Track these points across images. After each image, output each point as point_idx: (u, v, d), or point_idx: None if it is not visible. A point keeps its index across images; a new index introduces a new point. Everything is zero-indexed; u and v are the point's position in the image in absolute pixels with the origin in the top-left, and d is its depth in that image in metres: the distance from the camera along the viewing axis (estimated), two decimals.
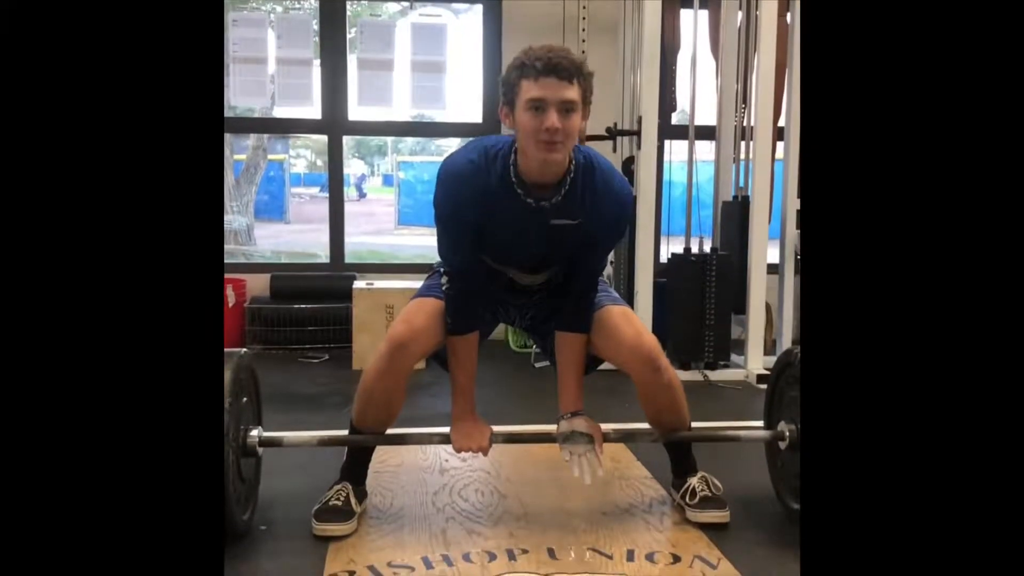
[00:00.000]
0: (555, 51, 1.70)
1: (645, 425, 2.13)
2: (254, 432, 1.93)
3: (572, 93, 1.69)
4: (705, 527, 1.97)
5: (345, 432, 2.07)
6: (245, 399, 1.91)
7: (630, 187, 1.99)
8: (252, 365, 1.95)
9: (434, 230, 1.96)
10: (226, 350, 1.76)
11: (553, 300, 2.02)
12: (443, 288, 1.92)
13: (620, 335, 1.95)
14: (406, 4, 4.57)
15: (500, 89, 1.79)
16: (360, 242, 8.95)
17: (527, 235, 1.86)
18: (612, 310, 1.98)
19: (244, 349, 1.97)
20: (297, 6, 4.86)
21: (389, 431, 2.03)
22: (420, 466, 2.40)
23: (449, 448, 2.54)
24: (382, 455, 2.31)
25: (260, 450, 1.94)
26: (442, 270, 1.95)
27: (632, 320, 1.99)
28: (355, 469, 2.05)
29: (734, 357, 3.71)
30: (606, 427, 2.03)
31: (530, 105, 1.69)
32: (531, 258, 1.94)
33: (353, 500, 1.97)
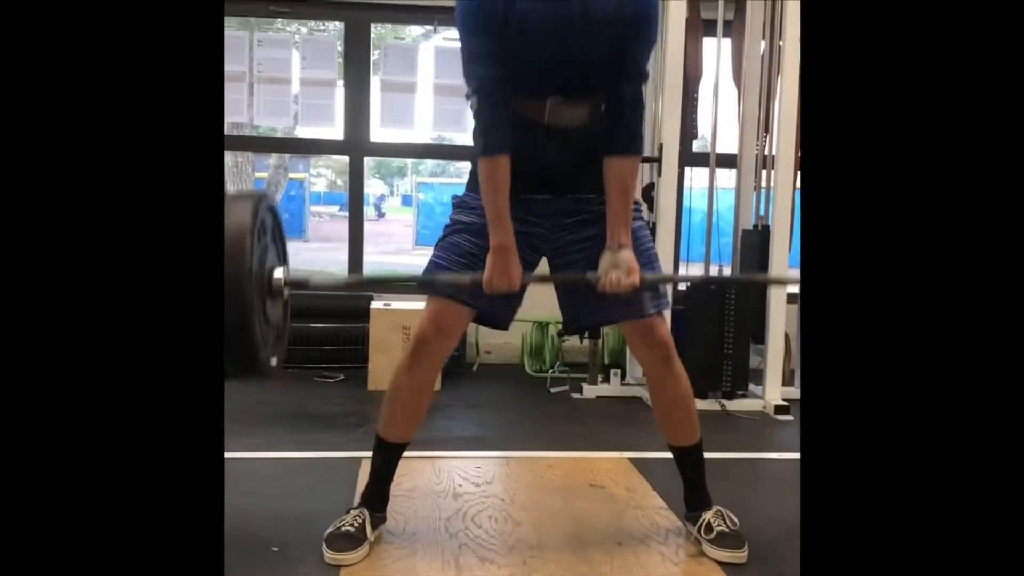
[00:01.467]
0: None
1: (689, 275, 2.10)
2: (278, 272, 1.82)
3: None
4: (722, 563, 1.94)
5: (370, 276, 2.04)
6: (268, 239, 1.81)
7: None
8: (273, 206, 1.85)
9: None
10: (245, 191, 1.74)
11: (583, 225, 1.94)
12: (474, 114, 1.83)
13: (641, 324, 1.96)
14: (430, 28, 4.60)
15: None
16: (378, 261, 8.99)
17: (560, 25, 1.76)
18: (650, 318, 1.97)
19: (263, 191, 1.87)
20: (322, 27, 4.90)
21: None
22: (434, 490, 2.39)
23: (463, 472, 2.55)
24: (395, 477, 2.30)
25: (286, 291, 1.86)
26: (469, 91, 1.84)
27: (656, 320, 1.99)
28: (376, 492, 2.04)
29: (752, 387, 3.68)
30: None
31: None
32: (572, 66, 1.81)
33: (368, 527, 1.96)
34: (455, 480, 2.48)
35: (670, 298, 3.58)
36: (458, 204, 1.98)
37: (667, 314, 3.54)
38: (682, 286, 3.76)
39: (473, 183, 1.94)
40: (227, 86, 4.36)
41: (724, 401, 3.55)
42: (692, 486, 2.09)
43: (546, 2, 1.76)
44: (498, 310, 1.96)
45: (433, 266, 1.95)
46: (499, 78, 1.80)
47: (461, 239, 1.93)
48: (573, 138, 1.89)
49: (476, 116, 1.83)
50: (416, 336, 1.95)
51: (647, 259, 1.95)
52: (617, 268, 1.84)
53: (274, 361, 1.79)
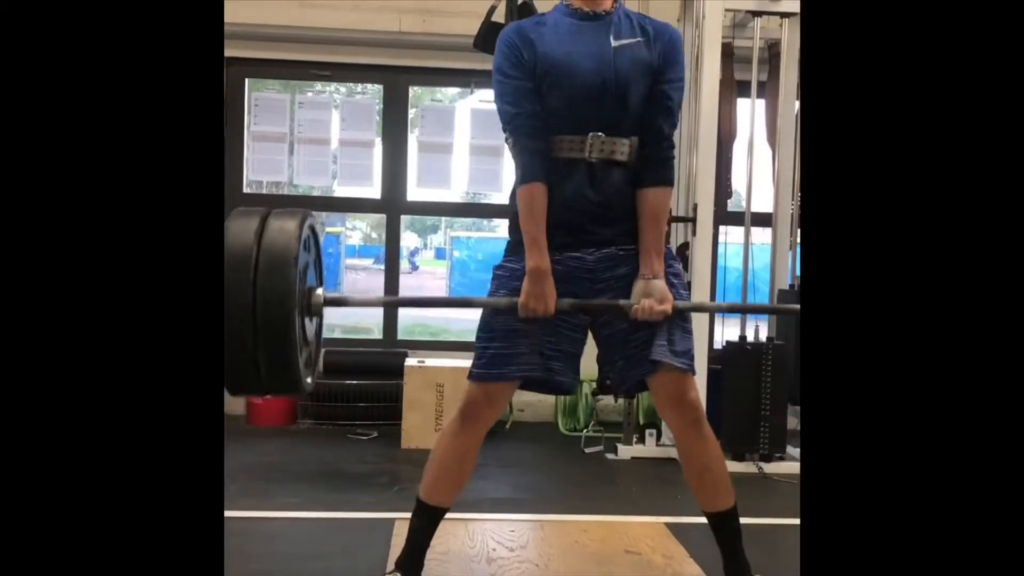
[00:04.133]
0: None
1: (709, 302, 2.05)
2: (318, 291, 1.84)
3: None
4: None
5: (403, 297, 2.05)
6: (310, 258, 1.83)
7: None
8: (314, 224, 1.88)
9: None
10: (291, 209, 1.78)
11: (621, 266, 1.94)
12: (511, 146, 1.93)
13: (669, 380, 1.94)
14: (466, 89, 4.69)
15: None
16: (412, 314, 9.03)
17: (592, 59, 1.86)
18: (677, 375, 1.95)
19: (305, 211, 1.86)
20: (362, 89, 5.03)
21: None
22: (467, 554, 2.36)
23: (497, 536, 2.52)
24: None
25: (324, 310, 1.87)
26: (508, 137, 1.93)
27: (686, 380, 1.97)
28: (411, 557, 2.02)
29: (790, 449, 3.61)
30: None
31: None
32: (605, 100, 1.87)
33: None
34: (489, 544, 2.45)
35: (706, 359, 3.56)
36: (498, 275, 1.98)
37: (703, 373, 3.52)
38: (718, 346, 3.73)
39: (512, 248, 1.96)
40: (268, 146, 4.47)
41: (761, 464, 3.49)
42: (730, 554, 2.05)
43: (580, 46, 1.87)
44: (561, 370, 1.95)
45: (485, 353, 1.94)
46: (532, 113, 1.89)
47: (502, 320, 1.93)
48: (614, 177, 1.91)
49: (513, 151, 1.92)
50: (466, 400, 1.96)
51: (679, 340, 1.95)
52: (650, 296, 1.88)
53: (309, 380, 1.80)
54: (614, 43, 1.88)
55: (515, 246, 1.94)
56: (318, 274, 1.91)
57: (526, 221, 1.89)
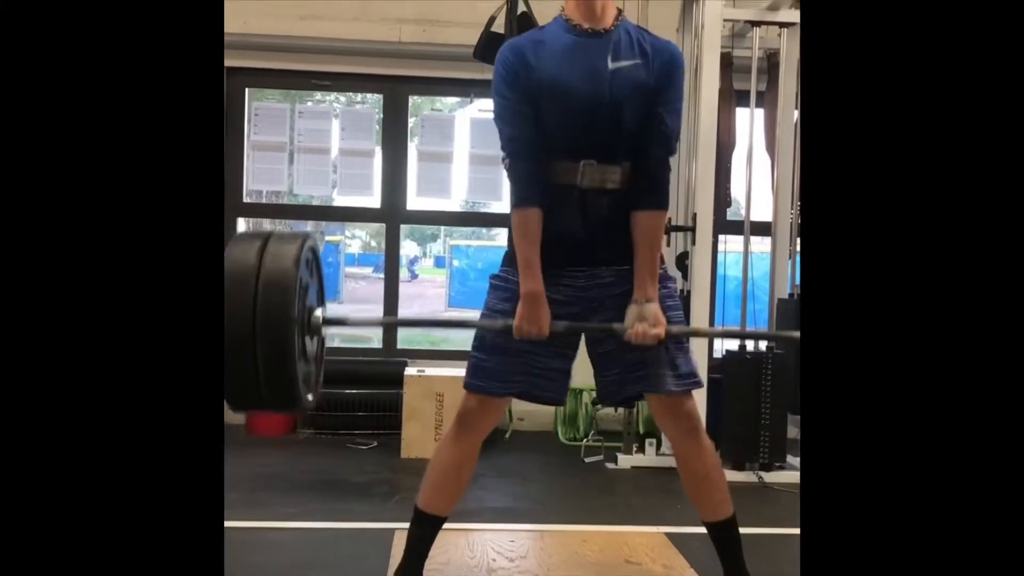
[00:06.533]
0: None
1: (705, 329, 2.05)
2: (318, 311, 1.86)
3: None
4: None
5: (402, 318, 2.06)
6: (311, 279, 1.84)
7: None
8: (315, 246, 1.89)
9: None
10: (292, 231, 1.81)
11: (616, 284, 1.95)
12: (508, 169, 1.93)
13: (667, 399, 1.96)
14: (466, 98, 4.70)
15: None
16: None
17: (589, 81, 1.84)
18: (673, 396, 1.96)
19: (308, 232, 1.93)
20: (361, 99, 5.04)
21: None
22: (467, 564, 2.36)
23: (497, 546, 2.51)
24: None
25: (324, 330, 1.89)
26: (505, 157, 1.93)
27: (684, 398, 1.99)
28: (410, 567, 2.02)
29: (791, 458, 3.61)
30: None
31: None
32: (601, 124, 1.87)
33: None
34: (488, 554, 2.45)
35: (706, 367, 3.55)
36: (495, 286, 1.99)
37: (702, 383, 3.52)
38: (717, 355, 3.73)
39: (509, 259, 1.97)
40: (268, 156, 4.48)
41: (761, 473, 3.48)
42: (730, 564, 2.04)
43: (576, 67, 1.85)
44: (549, 387, 1.98)
45: (477, 361, 1.96)
46: (530, 137, 1.88)
47: (493, 336, 1.95)
48: (606, 201, 1.91)
49: (509, 173, 1.91)
50: (461, 408, 1.97)
51: (678, 357, 1.96)
52: (643, 320, 1.88)
53: (310, 397, 1.82)
54: (611, 64, 1.86)
55: (512, 257, 1.95)
56: (319, 295, 1.92)
57: (520, 245, 1.90)
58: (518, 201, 1.90)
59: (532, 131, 1.88)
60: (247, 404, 1.72)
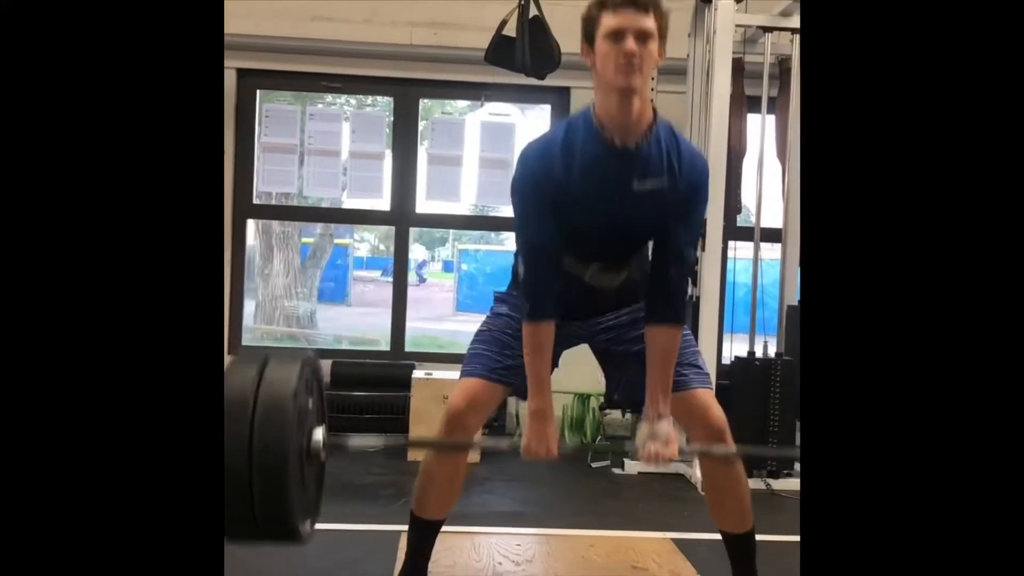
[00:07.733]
0: None
1: (718, 448, 1.99)
2: (318, 434, 1.75)
3: (649, 23, 1.71)
4: None
5: (410, 437, 2.03)
6: (309, 400, 1.75)
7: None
8: (316, 364, 1.81)
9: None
10: (290, 356, 1.70)
11: (628, 327, 1.98)
12: (508, 293, 1.96)
13: (692, 399, 1.95)
14: (476, 102, 4.70)
15: (581, 27, 1.79)
16: (419, 327, 9.02)
17: (611, 200, 1.78)
18: (697, 392, 1.96)
19: (310, 351, 1.82)
20: (372, 102, 5.05)
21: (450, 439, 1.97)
22: (474, 567, 2.35)
23: (503, 550, 2.51)
24: (434, 553, 2.27)
25: (324, 454, 1.79)
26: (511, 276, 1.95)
27: (708, 396, 1.99)
28: (412, 570, 2.02)
29: (798, 466, 3.59)
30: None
31: (608, 34, 1.71)
32: (615, 237, 1.86)
33: None
34: (495, 558, 2.44)
35: (714, 374, 3.53)
36: (499, 299, 2.03)
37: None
38: (726, 360, 3.71)
39: (514, 284, 1.99)
40: (278, 157, 4.49)
41: (769, 480, 3.47)
42: (742, 573, 2.03)
43: (603, 187, 1.79)
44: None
45: (475, 356, 1.98)
46: (548, 247, 1.83)
47: (501, 335, 1.97)
48: (612, 289, 1.96)
49: (524, 280, 1.86)
50: (448, 410, 1.95)
51: (690, 356, 1.97)
52: (655, 439, 1.85)
53: (307, 526, 1.74)
54: (637, 186, 1.78)
55: (516, 284, 1.96)
56: (319, 412, 1.83)
57: (531, 360, 1.86)
58: (531, 313, 1.83)
59: (551, 240, 1.82)
60: (244, 537, 1.62)
